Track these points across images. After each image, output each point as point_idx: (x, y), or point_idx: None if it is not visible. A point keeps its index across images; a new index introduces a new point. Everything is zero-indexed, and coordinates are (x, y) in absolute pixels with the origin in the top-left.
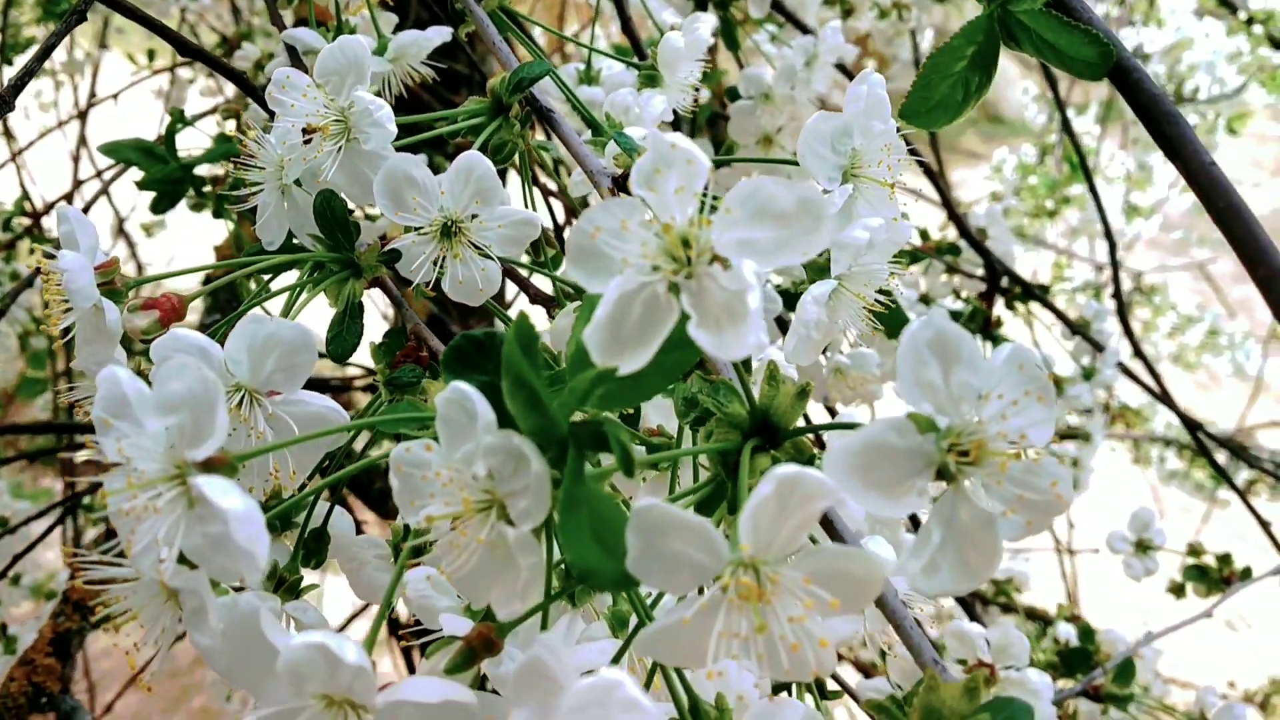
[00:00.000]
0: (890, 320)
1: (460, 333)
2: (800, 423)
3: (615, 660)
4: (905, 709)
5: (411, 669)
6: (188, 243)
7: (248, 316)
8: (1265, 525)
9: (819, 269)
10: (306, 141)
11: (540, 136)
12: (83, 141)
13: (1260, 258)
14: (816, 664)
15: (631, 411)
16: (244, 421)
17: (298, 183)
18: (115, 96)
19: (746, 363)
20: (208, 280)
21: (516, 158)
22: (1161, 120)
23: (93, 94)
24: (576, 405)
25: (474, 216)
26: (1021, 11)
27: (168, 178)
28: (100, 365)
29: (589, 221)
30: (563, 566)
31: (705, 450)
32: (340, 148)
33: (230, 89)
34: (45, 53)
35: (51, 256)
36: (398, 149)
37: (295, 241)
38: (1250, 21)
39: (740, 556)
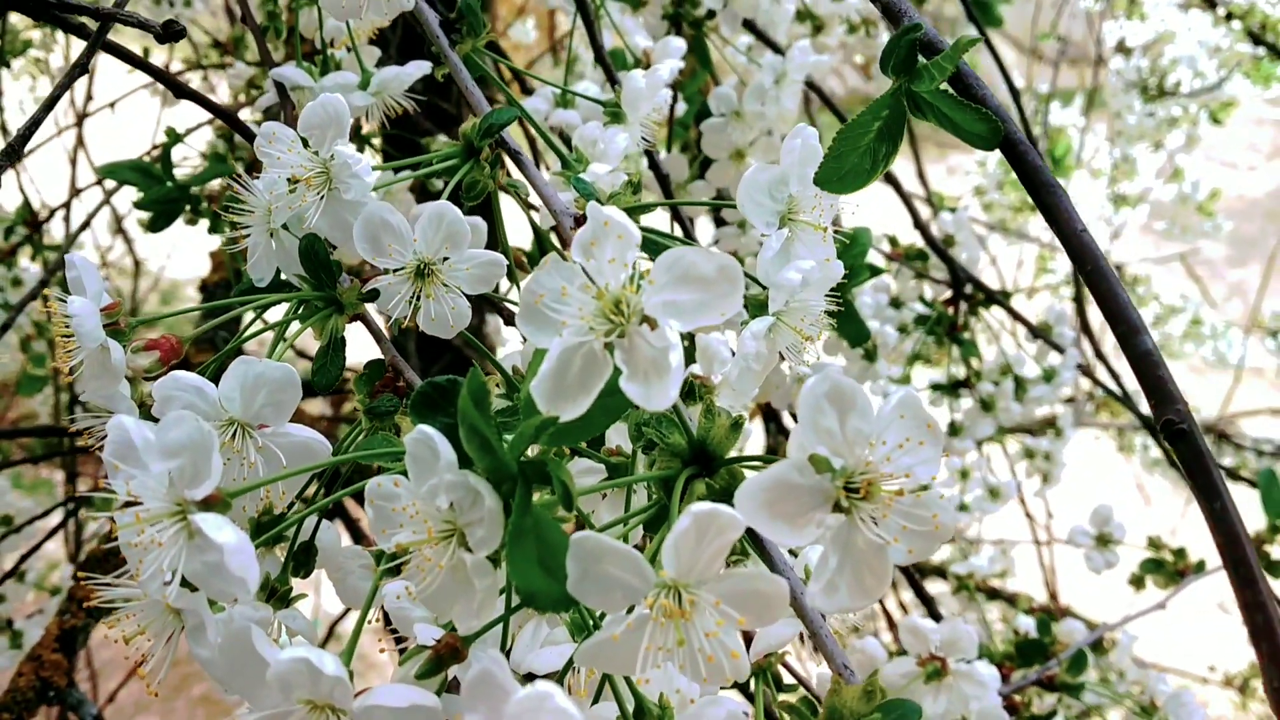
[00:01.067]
0: (853, 332)
1: (425, 381)
2: (734, 452)
3: (565, 668)
4: (815, 711)
5: None
6: (185, 239)
7: (239, 359)
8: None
9: (759, 305)
10: (292, 190)
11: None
12: (80, 144)
13: (1121, 314)
14: (731, 671)
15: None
16: (237, 452)
17: (285, 226)
18: (113, 105)
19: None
20: (206, 315)
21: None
22: (1042, 189)
23: (89, 97)
24: (525, 446)
25: (445, 259)
26: (924, 91)
27: (164, 198)
28: (107, 399)
29: (534, 286)
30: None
31: (648, 478)
32: (323, 196)
33: (222, 89)
34: (50, 103)
35: (62, 300)
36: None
37: (283, 278)
38: (1229, 17)
39: (664, 580)
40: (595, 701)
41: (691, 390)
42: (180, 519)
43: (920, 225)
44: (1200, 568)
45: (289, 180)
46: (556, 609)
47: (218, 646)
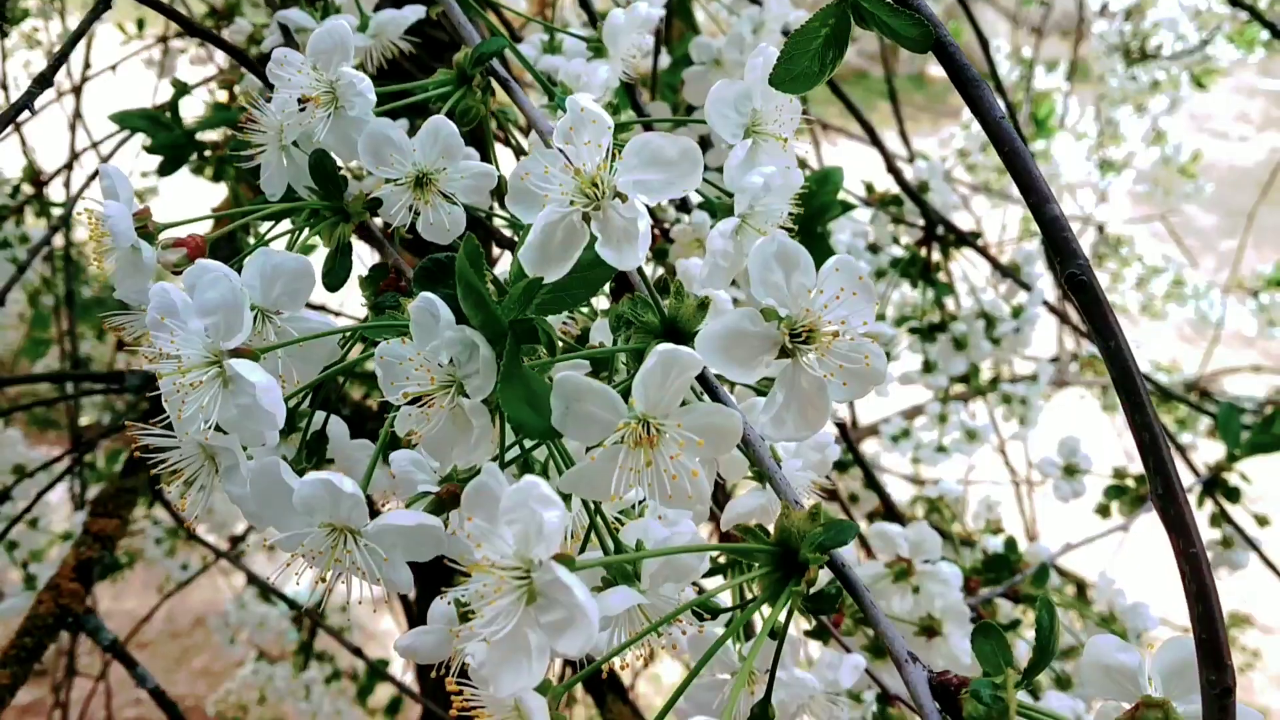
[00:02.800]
0: (820, 255)
1: (426, 257)
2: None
3: None
4: (768, 533)
5: (424, 689)
6: (180, 208)
7: (259, 250)
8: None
9: (726, 209)
10: (301, 109)
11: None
12: (78, 115)
13: (1033, 186)
14: (692, 490)
15: (578, 334)
16: (257, 334)
17: (295, 144)
18: (114, 68)
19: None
20: (219, 225)
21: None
22: (969, 85)
23: (87, 65)
24: (516, 308)
25: (442, 170)
26: (865, 2)
27: (173, 143)
28: (139, 295)
29: (521, 169)
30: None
31: (624, 350)
32: (330, 114)
33: (220, 57)
34: (79, 35)
35: (98, 206)
36: (383, 113)
37: (294, 194)
38: None
39: (635, 414)
40: (582, 549)
41: (664, 284)
42: (216, 368)
43: (893, 169)
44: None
45: (299, 100)
46: (543, 439)
47: (249, 481)
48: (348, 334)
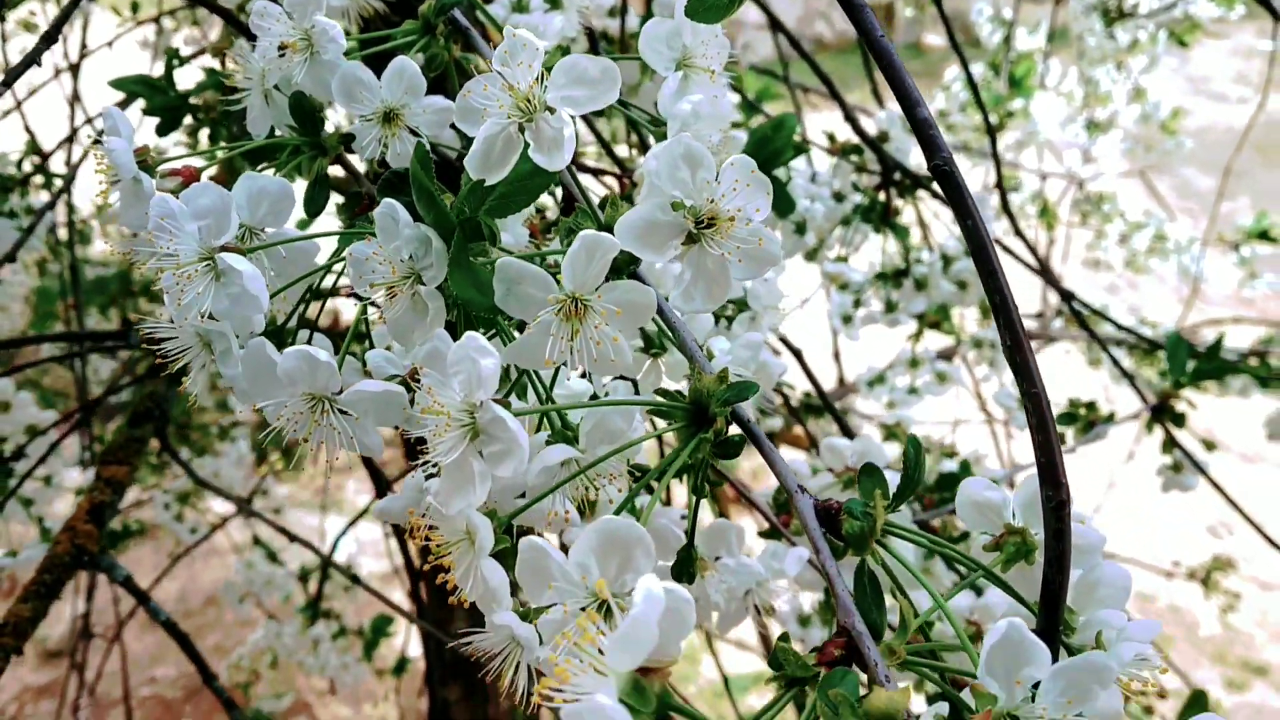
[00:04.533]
0: (779, 204)
1: (388, 170)
2: None
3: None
4: (682, 394)
5: (421, 613)
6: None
7: (245, 174)
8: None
9: (661, 136)
10: (281, 55)
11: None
12: (76, 97)
13: (905, 93)
14: (614, 354)
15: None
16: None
17: (277, 87)
18: (110, 44)
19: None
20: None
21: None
22: (855, 9)
23: (84, 46)
24: (464, 207)
25: (406, 105)
26: None
27: (169, 105)
28: (140, 222)
29: (465, 89)
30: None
31: (562, 251)
32: (306, 59)
33: (213, 34)
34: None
35: (103, 142)
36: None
37: (277, 133)
38: None
39: (565, 291)
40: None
41: (604, 203)
42: (209, 264)
43: (850, 119)
44: (1110, 418)
45: (279, 47)
46: (489, 314)
47: (240, 362)
48: (325, 234)
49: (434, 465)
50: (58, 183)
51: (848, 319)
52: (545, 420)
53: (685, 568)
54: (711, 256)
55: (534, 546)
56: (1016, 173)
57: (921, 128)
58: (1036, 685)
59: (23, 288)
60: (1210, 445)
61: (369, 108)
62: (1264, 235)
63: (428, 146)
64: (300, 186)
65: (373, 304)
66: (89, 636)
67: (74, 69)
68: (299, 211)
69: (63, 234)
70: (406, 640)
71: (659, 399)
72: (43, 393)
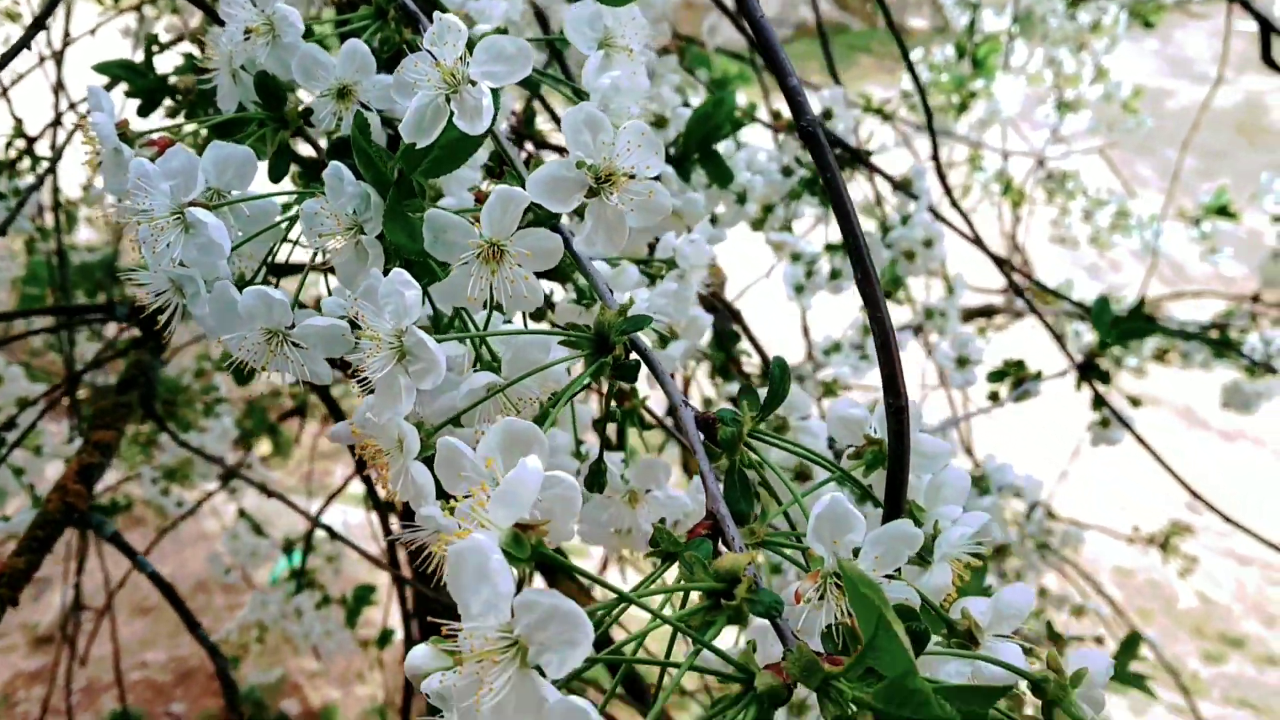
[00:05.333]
0: (717, 175)
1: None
2: None
3: (437, 316)
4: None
5: (403, 590)
6: None
7: (213, 143)
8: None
9: None
10: (246, 38)
11: None
12: (60, 84)
13: (778, 63)
14: (526, 291)
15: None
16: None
17: (243, 68)
18: (93, 31)
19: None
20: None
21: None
22: None
23: (67, 34)
24: (403, 168)
25: (358, 82)
26: None
27: (149, 87)
28: (120, 189)
29: (400, 66)
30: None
31: (484, 206)
32: (269, 42)
33: (193, 23)
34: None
35: (87, 116)
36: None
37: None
38: None
39: (484, 237)
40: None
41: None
42: (179, 219)
43: (791, 97)
44: (1037, 376)
45: (245, 31)
46: (418, 257)
47: (207, 303)
48: (284, 192)
49: (368, 382)
50: (44, 165)
51: (799, 288)
52: (478, 358)
53: (596, 479)
54: (610, 208)
55: (449, 446)
56: (980, 151)
57: (791, 94)
58: (858, 551)
59: (8, 272)
60: (1136, 402)
61: (325, 85)
62: (1223, 211)
63: (373, 117)
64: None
65: (323, 252)
66: (80, 609)
67: (58, 57)
68: (264, 178)
69: (48, 219)
70: (387, 612)
71: (569, 332)
72: (31, 373)
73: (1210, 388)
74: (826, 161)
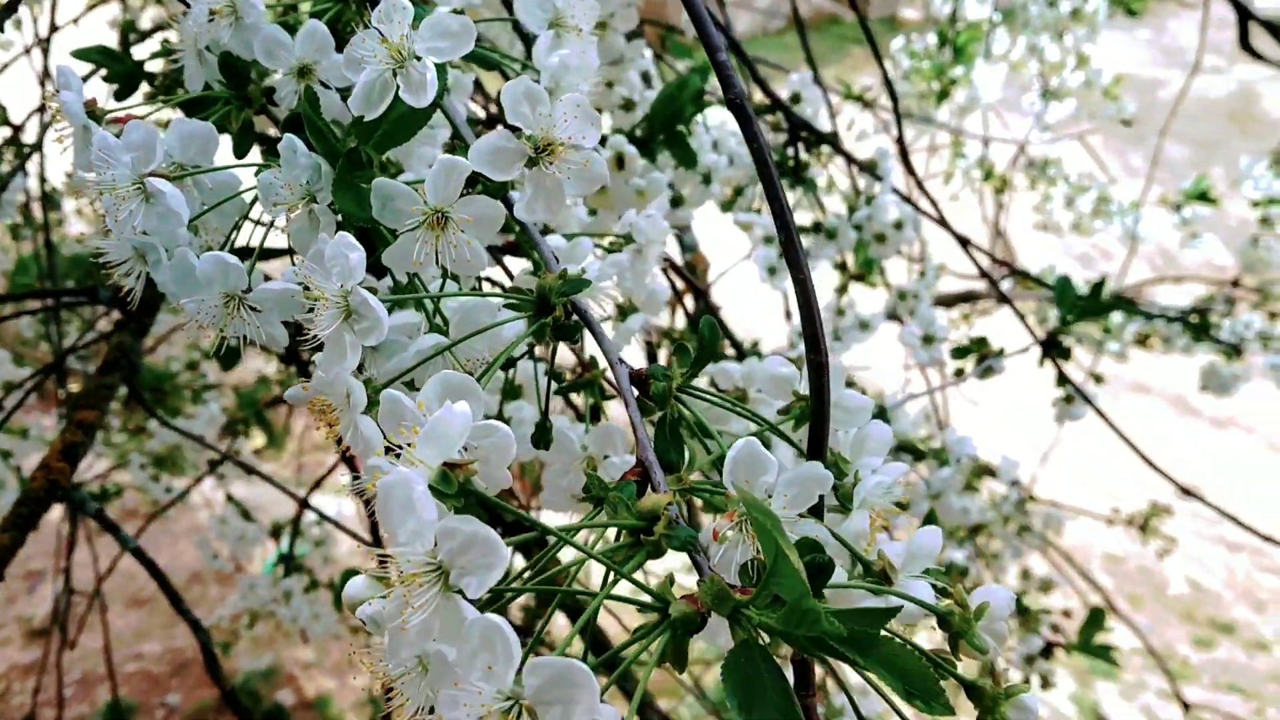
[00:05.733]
0: (682, 156)
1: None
2: None
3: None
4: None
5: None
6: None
7: (176, 119)
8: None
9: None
10: (211, 20)
11: None
12: (46, 74)
13: (709, 41)
14: (470, 256)
15: None
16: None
17: (209, 48)
18: (76, 21)
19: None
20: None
21: None
22: None
23: (53, 23)
24: (355, 139)
25: (317, 62)
26: None
27: (126, 72)
28: (88, 164)
29: (350, 44)
30: None
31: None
32: (232, 23)
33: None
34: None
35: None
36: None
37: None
38: None
39: (430, 205)
40: None
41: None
42: (139, 188)
43: (758, 80)
44: (1000, 353)
45: (210, 12)
46: (367, 224)
47: (169, 269)
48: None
49: (318, 341)
50: (27, 152)
51: (772, 270)
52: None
53: (543, 435)
54: (548, 176)
55: (391, 398)
56: (962, 138)
57: (720, 69)
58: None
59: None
60: (1098, 378)
61: (286, 65)
62: (1203, 196)
63: (332, 95)
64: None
65: (276, 221)
66: (71, 593)
67: (43, 46)
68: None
69: (37, 210)
70: None
71: (511, 294)
72: (19, 361)
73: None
74: (753, 132)
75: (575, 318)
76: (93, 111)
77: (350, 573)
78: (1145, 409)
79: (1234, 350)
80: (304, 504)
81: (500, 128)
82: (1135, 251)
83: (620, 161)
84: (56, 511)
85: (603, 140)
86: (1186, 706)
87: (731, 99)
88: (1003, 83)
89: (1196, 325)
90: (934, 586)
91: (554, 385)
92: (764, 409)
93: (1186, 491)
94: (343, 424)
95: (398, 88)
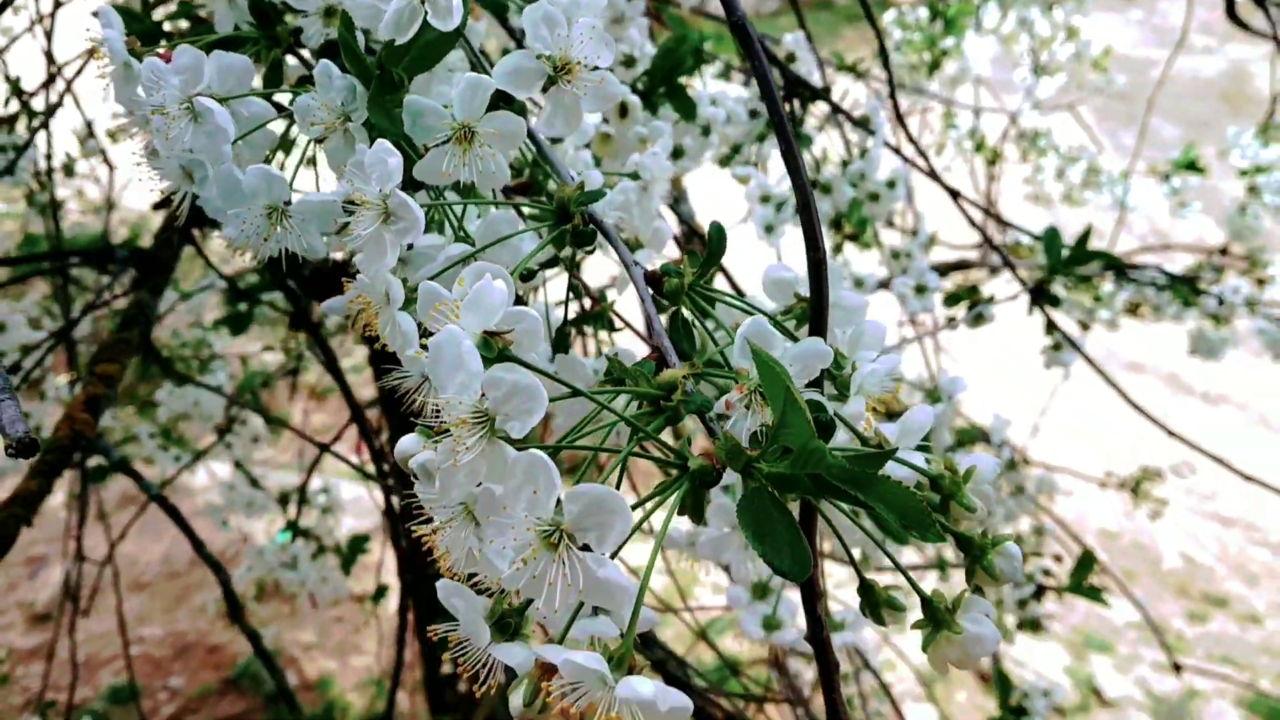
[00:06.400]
0: (682, 108)
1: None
2: None
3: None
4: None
5: (404, 568)
6: None
7: (214, 53)
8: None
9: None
10: None
11: None
12: (51, 48)
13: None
14: (495, 168)
15: None
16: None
17: None
18: None
19: None
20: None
21: None
22: None
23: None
24: (387, 62)
25: (342, 2)
26: None
27: (145, 31)
28: (131, 102)
29: None
30: None
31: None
32: None
33: None
34: None
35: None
36: None
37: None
38: None
39: (457, 120)
40: None
41: None
42: (189, 108)
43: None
44: (990, 300)
45: None
46: (396, 139)
47: (214, 184)
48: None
49: (358, 240)
50: (39, 123)
51: (769, 228)
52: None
53: (562, 341)
54: (566, 94)
55: (429, 288)
56: (953, 109)
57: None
58: None
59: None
60: (1085, 326)
61: (313, 5)
62: (1191, 166)
63: (359, 35)
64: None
65: (317, 141)
66: (82, 560)
67: (47, 24)
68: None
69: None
70: (382, 558)
71: (533, 202)
72: (32, 324)
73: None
74: (755, 52)
75: (591, 226)
76: (134, 50)
77: (358, 538)
78: (1139, 386)
79: (1220, 305)
80: (324, 449)
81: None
82: (1124, 220)
83: (624, 110)
84: (59, 496)
85: None
86: (1178, 669)
87: (735, 21)
88: (993, 56)
89: (1184, 287)
90: (926, 460)
91: (567, 319)
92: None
93: (1172, 434)
94: (381, 320)
95: (425, 13)
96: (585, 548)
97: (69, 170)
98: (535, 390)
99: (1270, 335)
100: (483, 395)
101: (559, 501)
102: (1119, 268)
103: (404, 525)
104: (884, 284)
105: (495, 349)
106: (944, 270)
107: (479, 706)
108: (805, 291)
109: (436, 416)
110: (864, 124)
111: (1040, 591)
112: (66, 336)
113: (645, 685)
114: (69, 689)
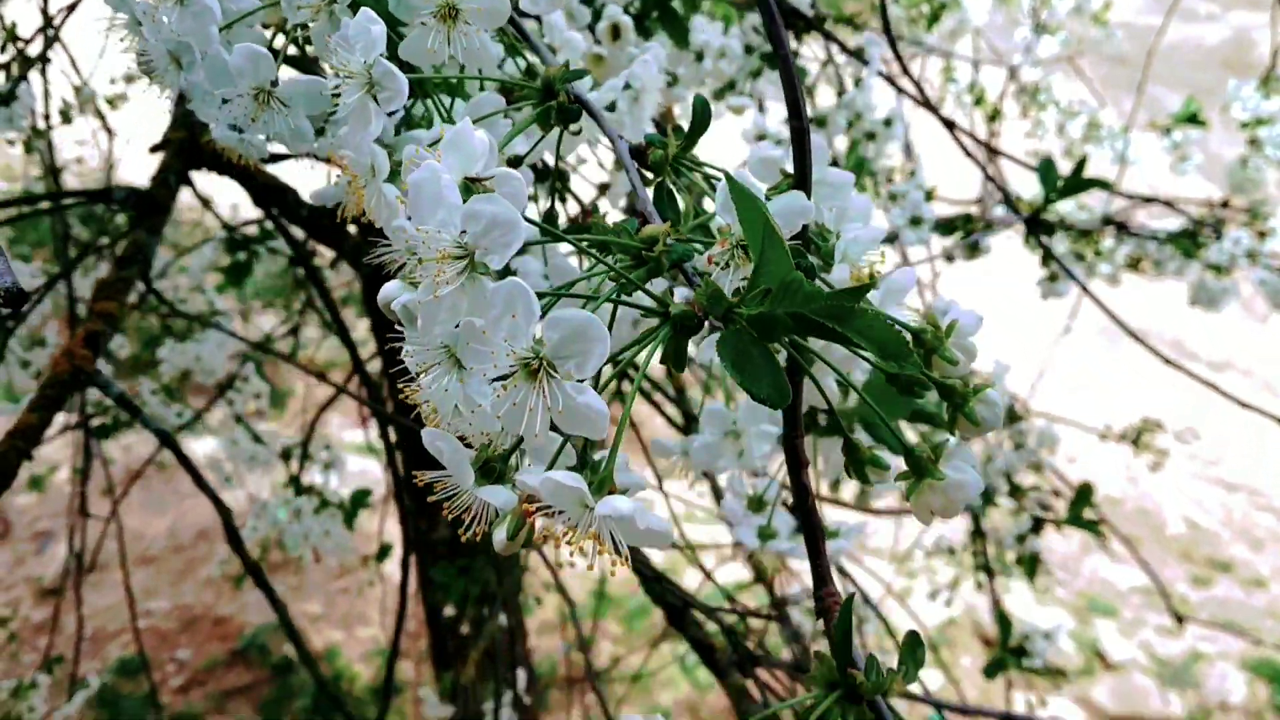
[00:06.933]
0: (675, 33)
1: None
2: None
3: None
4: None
5: (409, 536)
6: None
7: None
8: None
9: None
10: None
11: None
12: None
13: None
14: (479, 45)
15: None
16: None
17: None
18: None
19: None
20: None
21: None
22: None
23: None
24: None
25: None
26: None
27: None
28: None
29: None
30: None
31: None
32: None
33: None
34: None
35: None
36: None
37: None
38: None
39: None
40: None
41: None
42: None
43: None
44: (989, 226)
45: None
46: (383, 19)
47: (203, 66)
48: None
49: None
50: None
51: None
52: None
53: (551, 221)
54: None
55: (409, 137)
56: (952, 62)
57: None
58: None
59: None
60: (1081, 256)
61: None
62: (1192, 119)
63: None
64: None
65: (302, 27)
66: (86, 515)
67: None
68: None
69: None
70: (384, 518)
71: (520, 81)
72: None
73: (1199, 320)
74: (779, 37)
75: (576, 104)
76: None
77: (361, 492)
78: (1143, 352)
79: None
80: (340, 389)
81: None
82: (1124, 174)
83: (616, 32)
84: (64, 473)
85: (597, 14)
86: (1180, 620)
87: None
88: (991, 7)
89: (1185, 240)
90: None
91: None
92: None
93: (1168, 362)
94: (367, 195)
95: None
96: None
97: (65, 116)
98: (514, 222)
99: (1271, 285)
100: (462, 231)
101: (539, 335)
102: (1104, 185)
103: (408, 476)
104: (891, 238)
105: (476, 193)
106: (943, 225)
107: (473, 648)
108: (791, 169)
109: (415, 256)
110: (859, 55)
111: (1038, 525)
112: (66, 278)
113: (624, 502)
114: (73, 660)
